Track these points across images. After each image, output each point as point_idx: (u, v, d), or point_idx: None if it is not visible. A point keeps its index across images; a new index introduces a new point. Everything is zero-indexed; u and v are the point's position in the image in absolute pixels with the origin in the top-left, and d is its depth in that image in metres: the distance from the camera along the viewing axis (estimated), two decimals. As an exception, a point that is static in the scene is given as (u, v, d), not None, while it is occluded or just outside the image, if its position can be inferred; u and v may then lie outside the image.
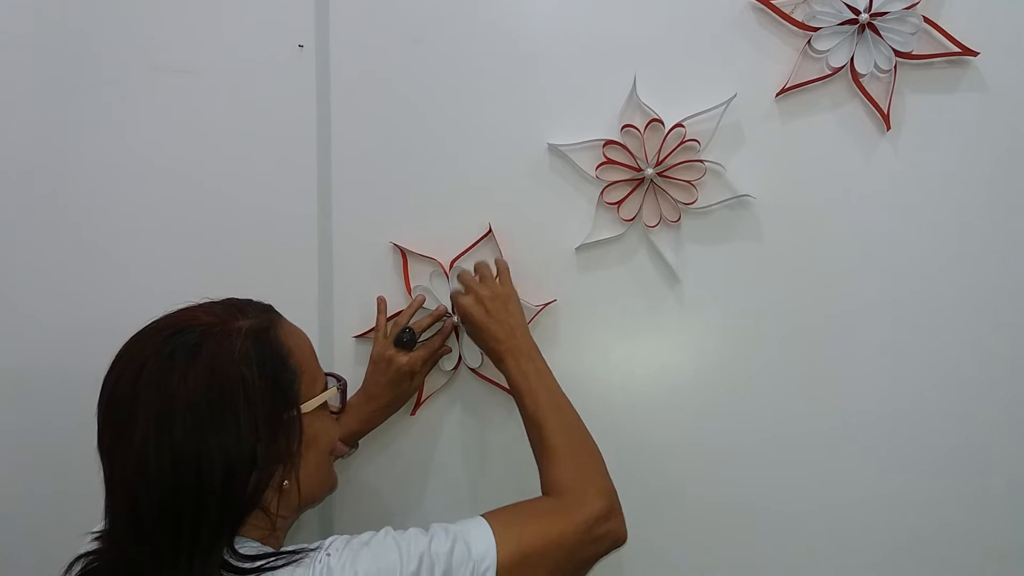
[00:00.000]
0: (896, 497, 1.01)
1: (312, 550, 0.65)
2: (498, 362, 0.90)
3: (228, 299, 0.73)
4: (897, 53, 0.93)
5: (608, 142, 0.97)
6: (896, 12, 0.92)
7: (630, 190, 0.99)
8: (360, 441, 1.00)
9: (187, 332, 0.65)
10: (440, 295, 1.01)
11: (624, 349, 1.02)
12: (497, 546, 0.67)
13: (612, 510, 0.77)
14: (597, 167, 0.98)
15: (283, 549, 0.66)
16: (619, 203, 0.99)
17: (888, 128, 0.96)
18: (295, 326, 0.75)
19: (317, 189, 1.03)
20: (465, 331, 0.97)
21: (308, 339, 0.76)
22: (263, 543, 0.68)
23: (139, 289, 1.06)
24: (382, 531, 0.68)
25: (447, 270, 1.01)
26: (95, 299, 1.06)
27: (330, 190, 1.03)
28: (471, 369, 1.03)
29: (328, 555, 0.64)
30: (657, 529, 1.03)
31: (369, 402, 0.96)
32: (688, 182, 0.97)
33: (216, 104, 1.03)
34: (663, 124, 0.96)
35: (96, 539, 0.69)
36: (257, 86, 1.02)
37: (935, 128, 0.96)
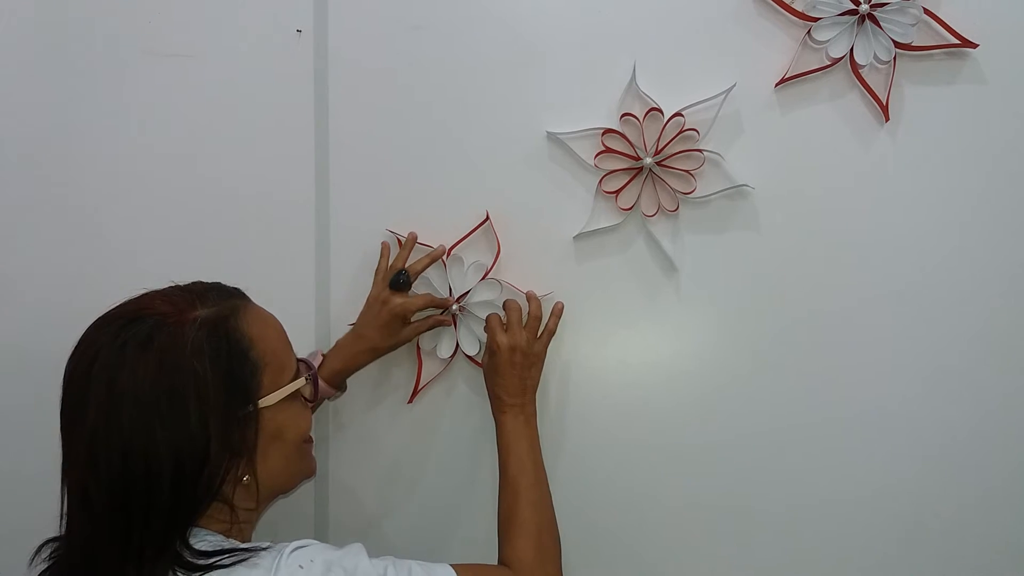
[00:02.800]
0: (893, 491, 1.01)
1: (264, 549, 0.64)
2: (499, 413, 0.91)
3: (194, 284, 0.71)
4: (897, 44, 0.93)
5: (607, 131, 0.97)
6: (896, 3, 0.92)
7: (628, 179, 0.99)
8: (357, 422, 0.99)
9: (140, 322, 0.64)
10: (437, 284, 1.01)
11: (621, 338, 1.02)
12: None
13: None
14: (596, 156, 0.98)
15: (237, 546, 0.65)
16: (617, 192, 0.99)
17: (887, 119, 0.96)
18: (264, 312, 0.73)
19: (315, 175, 1.03)
20: (484, 361, 0.96)
21: (278, 326, 0.73)
22: (226, 535, 0.67)
23: (132, 274, 1.01)
24: (353, 552, 0.67)
25: (444, 259, 1.01)
26: (86, 282, 1.05)
27: (327, 177, 1.03)
28: (468, 356, 1.03)
29: (301, 567, 0.63)
30: (650, 518, 1.03)
31: (357, 341, 0.95)
32: (687, 171, 0.97)
33: (213, 88, 1.02)
34: (662, 113, 0.95)
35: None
36: (254, 70, 1.01)
37: (934, 119, 0.96)
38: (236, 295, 0.72)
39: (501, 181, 1.01)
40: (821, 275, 0.99)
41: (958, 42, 0.93)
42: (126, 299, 0.69)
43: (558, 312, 0.97)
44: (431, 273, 1.01)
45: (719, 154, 0.97)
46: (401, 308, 0.94)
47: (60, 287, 1.05)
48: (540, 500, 0.85)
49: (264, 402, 0.68)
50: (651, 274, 1.01)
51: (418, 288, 1.00)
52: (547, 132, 0.99)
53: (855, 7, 0.92)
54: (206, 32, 1.01)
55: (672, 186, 0.98)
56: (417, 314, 0.97)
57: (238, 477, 0.66)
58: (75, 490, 0.64)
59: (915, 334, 0.99)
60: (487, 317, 0.96)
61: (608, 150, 0.98)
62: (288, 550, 0.64)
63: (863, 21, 0.93)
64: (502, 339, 0.92)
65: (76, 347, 0.66)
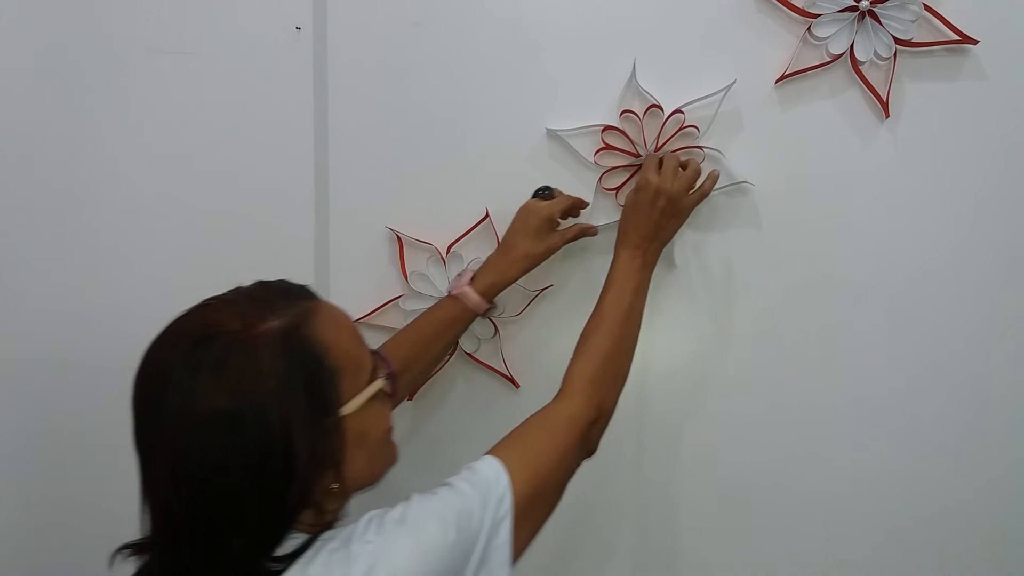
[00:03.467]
0: (892, 484, 1.01)
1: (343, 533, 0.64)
2: (620, 247, 0.90)
3: (258, 287, 0.67)
4: (897, 41, 0.93)
5: (607, 128, 0.97)
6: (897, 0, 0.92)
7: (628, 176, 0.98)
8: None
9: (211, 342, 0.60)
10: (436, 281, 1.01)
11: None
12: (512, 484, 0.68)
13: (600, 420, 0.81)
14: (596, 152, 0.98)
15: (309, 537, 0.63)
16: (617, 189, 0.98)
17: (887, 116, 0.96)
18: (333, 309, 0.68)
19: (314, 172, 1.03)
20: (627, 197, 0.93)
21: (349, 323, 0.69)
22: (313, 535, 0.65)
23: (133, 272, 1.05)
24: (413, 501, 0.66)
25: (443, 255, 1.01)
26: (87, 279, 1.05)
27: (327, 174, 1.03)
28: (467, 354, 1.02)
29: (368, 543, 0.62)
30: (651, 510, 1.03)
31: (509, 251, 0.95)
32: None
33: (212, 85, 1.02)
34: (662, 110, 0.95)
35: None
36: (254, 68, 1.01)
37: (934, 116, 0.96)
38: (303, 295, 0.68)
39: (501, 178, 1.00)
40: (821, 270, 0.99)
41: (959, 39, 0.93)
42: (187, 309, 0.65)
43: (714, 177, 0.92)
44: (430, 270, 1.01)
45: (719, 151, 0.97)
46: (548, 209, 0.95)
47: (60, 284, 1.05)
48: (621, 336, 0.85)
49: (345, 410, 0.64)
50: (651, 271, 1.01)
51: (414, 282, 1.01)
52: (547, 129, 0.99)
53: (855, 4, 0.92)
54: (205, 29, 1.01)
55: (672, 183, 0.97)
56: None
57: (325, 486, 0.63)
58: (158, 511, 0.62)
59: (914, 329, 1.00)
60: (646, 156, 0.95)
61: (608, 147, 0.98)
62: (365, 530, 0.63)
63: (863, 17, 0.93)
64: (652, 178, 0.89)
65: (143, 368, 0.63)
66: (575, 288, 1.02)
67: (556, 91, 0.99)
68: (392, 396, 0.73)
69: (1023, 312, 0.99)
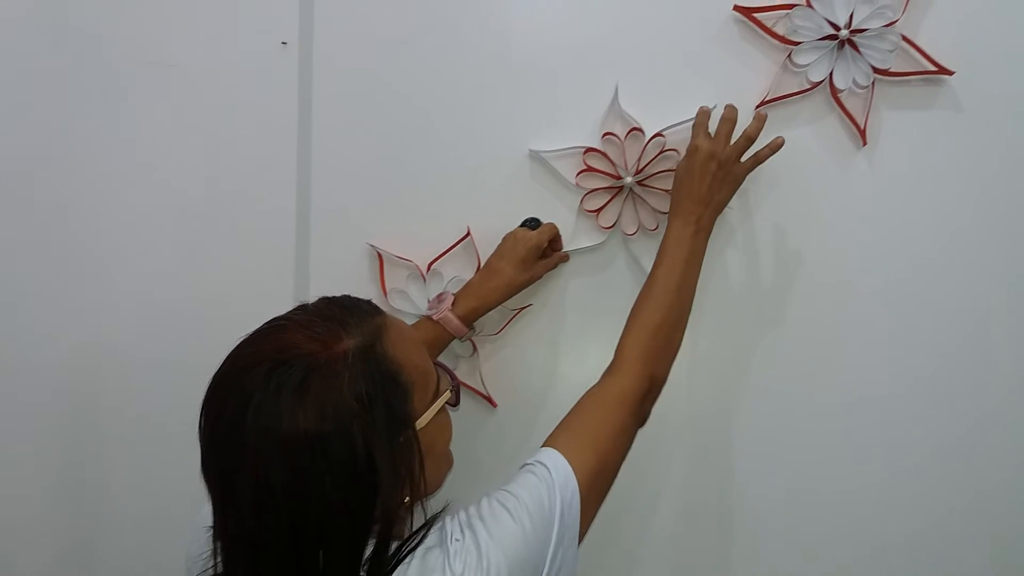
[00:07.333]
0: (889, 492, 1.02)
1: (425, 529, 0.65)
2: (672, 215, 0.89)
3: (326, 305, 0.68)
4: (875, 70, 0.94)
5: (589, 150, 0.98)
6: (875, 29, 0.93)
7: (610, 198, 0.99)
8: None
9: (291, 366, 0.60)
10: (416, 298, 1.01)
11: (600, 355, 1.01)
12: (576, 475, 0.69)
13: (653, 391, 0.82)
14: (577, 174, 0.98)
15: (406, 537, 0.65)
16: (599, 210, 0.99)
17: (864, 143, 0.97)
18: (400, 325, 0.70)
19: (296, 187, 1.03)
20: (679, 163, 0.91)
21: (414, 336, 0.71)
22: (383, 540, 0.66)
23: (114, 283, 1.05)
24: (483, 502, 0.68)
25: (424, 273, 1.01)
26: (68, 292, 1.04)
27: (309, 189, 1.03)
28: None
29: (457, 540, 0.64)
30: (642, 531, 1.03)
31: (492, 277, 0.95)
32: (667, 191, 0.97)
33: (197, 99, 1.02)
34: (643, 133, 0.96)
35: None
36: (240, 82, 1.01)
37: (910, 144, 0.97)
38: (372, 312, 0.69)
39: (483, 197, 1.01)
40: (799, 295, 1.00)
41: (935, 69, 0.94)
42: (255, 332, 0.65)
43: (774, 145, 0.90)
44: (410, 287, 1.01)
45: (699, 174, 0.97)
46: (537, 239, 0.95)
47: (39, 293, 1.05)
48: (673, 305, 0.85)
49: (419, 423, 0.66)
50: (631, 291, 0.99)
51: (393, 299, 1.01)
52: (530, 150, 0.99)
53: (835, 32, 0.93)
54: (191, 42, 1.01)
55: (653, 205, 0.98)
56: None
57: (402, 499, 0.64)
58: (240, 539, 0.61)
59: (891, 353, 1.00)
60: (697, 112, 0.91)
61: (590, 169, 0.98)
62: (452, 531, 0.65)
63: (843, 46, 0.94)
64: (703, 143, 0.88)
65: (217, 392, 0.63)
66: (554, 307, 1.02)
67: (539, 112, 0.99)
68: (455, 405, 0.75)
69: (998, 337, 0.99)
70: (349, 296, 0.70)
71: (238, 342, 0.65)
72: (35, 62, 1.02)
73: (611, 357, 1.03)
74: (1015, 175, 0.97)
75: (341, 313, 0.66)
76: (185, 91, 1.02)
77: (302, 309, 0.68)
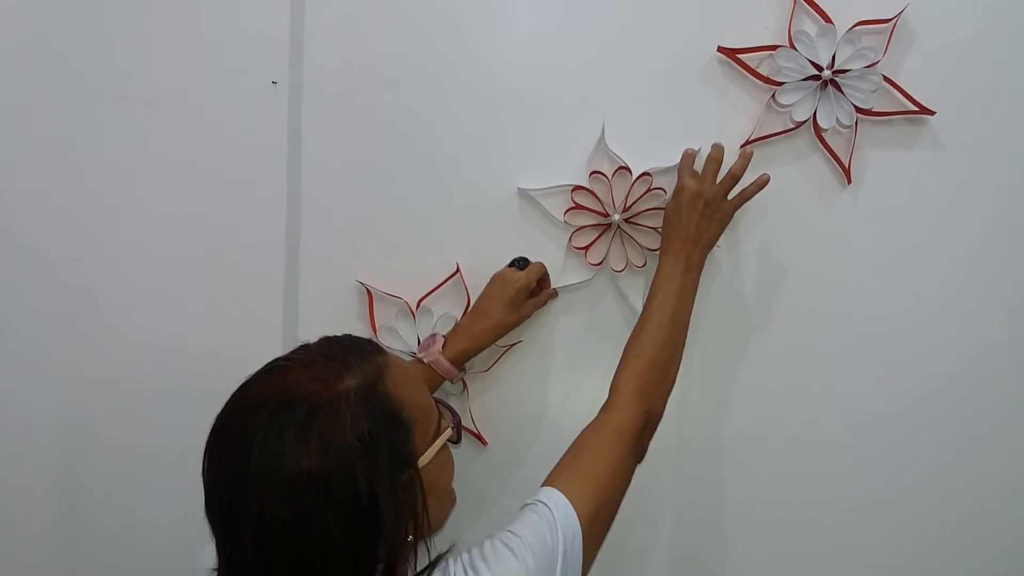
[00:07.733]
0: (883, 521, 1.02)
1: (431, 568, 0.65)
2: (663, 253, 0.92)
3: (327, 345, 0.68)
4: (858, 109, 0.96)
5: (576, 187, 0.99)
6: (857, 70, 0.94)
7: (597, 235, 1.00)
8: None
9: (293, 406, 0.61)
10: (406, 335, 1.01)
11: (589, 391, 1.01)
12: (577, 513, 0.70)
13: (650, 426, 0.83)
14: (565, 212, 0.99)
15: None
16: (587, 247, 1.00)
17: (849, 182, 0.98)
18: (401, 363, 0.70)
19: (286, 225, 1.03)
20: (668, 203, 0.94)
21: (415, 373, 0.72)
22: None
23: (100, 320, 1.04)
24: (486, 542, 0.68)
25: (413, 309, 1.01)
26: (53, 331, 1.04)
27: (298, 226, 1.03)
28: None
29: None
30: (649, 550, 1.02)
31: (481, 319, 0.95)
32: (654, 229, 0.98)
33: (187, 137, 1.02)
34: (630, 172, 0.97)
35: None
36: (229, 120, 1.02)
37: (894, 182, 0.98)
38: (373, 351, 0.69)
39: (472, 235, 1.01)
40: (782, 333, 1.01)
41: (917, 109, 0.96)
42: (256, 373, 0.66)
43: (760, 183, 0.92)
44: (399, 324, 1.01)
45: (686, 212, 0.98)
46: (525, 279, 0.95)
47: (32, 328, 1.04)
48: (666, 340, 0.86)
49: (421, 461, 0.66)
50: (619, 328, 1.01)
51: (383, 336, 1.01)
52: (518, 188, 1.00)
53: (818, 73, 0.95)
54: (181, 80, 1.02)
55: (640, 242, 0.99)
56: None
57: (405, 537, 0.64)
58: None
59: (878, 384, 1.01)
60: (682, 154, 0.93)
61: (577, 206, 0.99)
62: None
63: (826, 86, 0.96)
64: (690, 183, 0.90)
65: (219, 432, 0.63)
66: (543, 344, 1.02)
67: (528, 151, 1.00)
68: (457, 442, 0.75)
69: (985, 370, 1.00)
70: (351, 335, 0.71)
71: (240, 383, 0.65)
72: (24, 97, 1.02)
73: (600, 393, 1.03)
74: (996, 212, 0.98)
75: (343, 352, 0.66)
76: (176, 130, 1.02)
77: (304, 349, 0.68)
